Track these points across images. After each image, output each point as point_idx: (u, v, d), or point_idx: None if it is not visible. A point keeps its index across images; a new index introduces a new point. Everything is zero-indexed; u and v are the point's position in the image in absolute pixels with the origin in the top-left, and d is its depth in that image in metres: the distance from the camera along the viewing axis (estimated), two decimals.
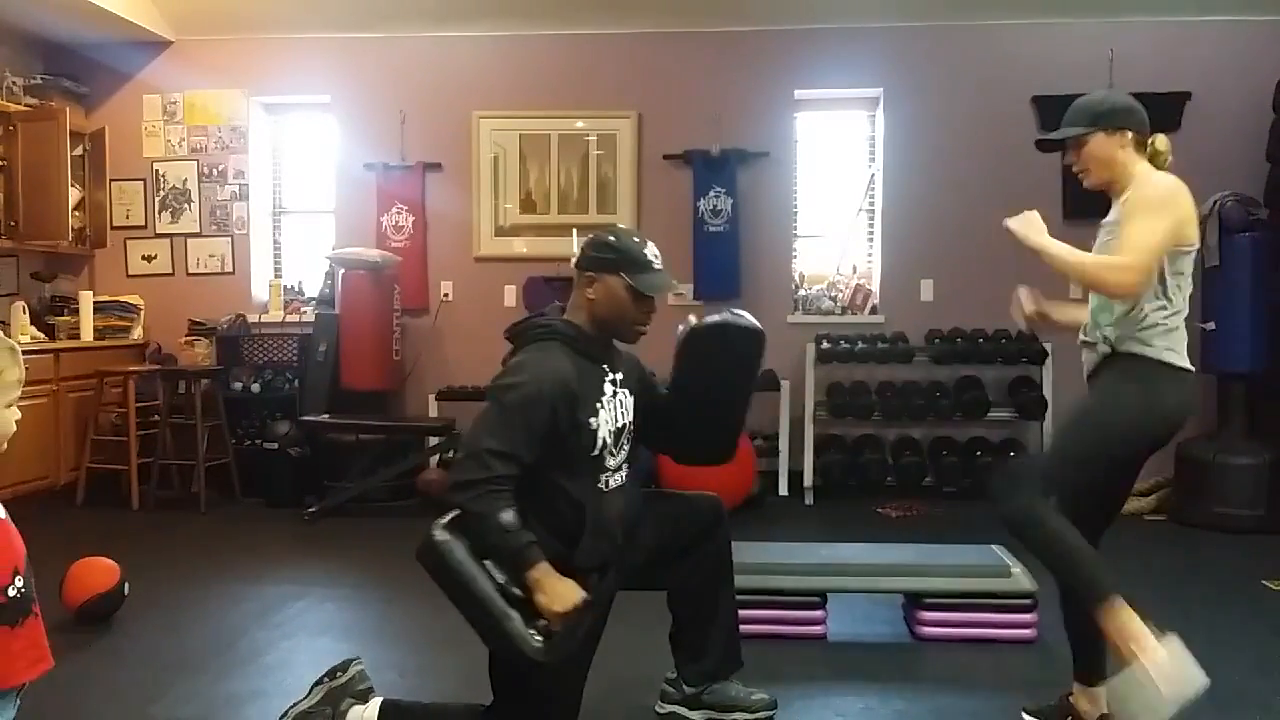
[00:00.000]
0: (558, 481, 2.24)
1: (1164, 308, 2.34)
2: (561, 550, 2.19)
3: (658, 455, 5.04)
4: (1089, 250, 2.38)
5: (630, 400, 2.41)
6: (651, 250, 2.37)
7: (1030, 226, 2.39)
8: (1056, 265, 2.35)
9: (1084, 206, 5.44)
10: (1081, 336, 2.49)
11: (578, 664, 2.27)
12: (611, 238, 2.36)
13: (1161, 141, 2.45)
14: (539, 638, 2.05)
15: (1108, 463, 2.40)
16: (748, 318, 2.51)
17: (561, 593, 2.09)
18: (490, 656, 2.25)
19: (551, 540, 2.17)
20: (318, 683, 2.36)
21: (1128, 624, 2.21)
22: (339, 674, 2.36)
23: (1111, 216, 2.40)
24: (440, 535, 2.12)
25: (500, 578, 2.09)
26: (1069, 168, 2.50)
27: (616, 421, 2.34)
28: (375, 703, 2.33)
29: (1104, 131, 2.39)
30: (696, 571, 2.50)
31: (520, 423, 2.16)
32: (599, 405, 2.29)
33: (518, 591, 2.08)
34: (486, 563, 2.10)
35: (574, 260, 2.39)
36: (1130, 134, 2.39)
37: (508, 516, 2.09)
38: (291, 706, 2.34)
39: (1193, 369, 2.39)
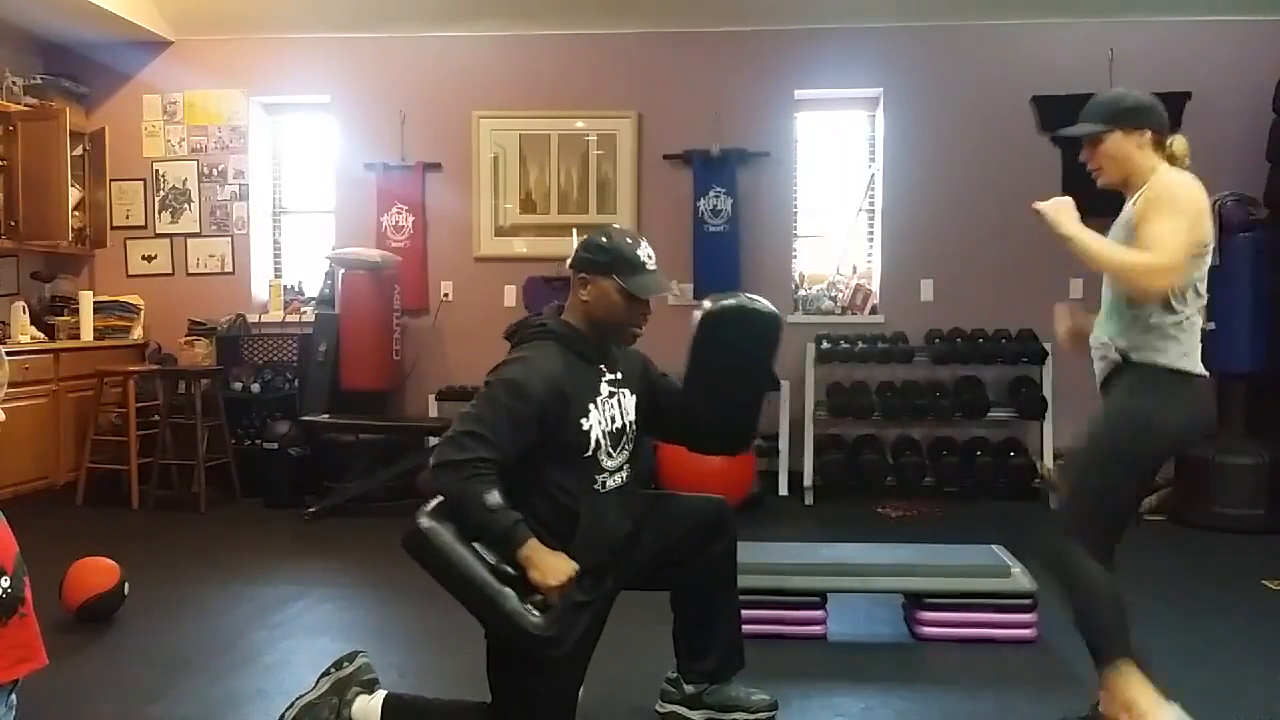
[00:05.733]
0: (552, 481, 2.24)
1: (1176, 312, 2.25)
2: (555, 549, 2.16)
3: (657, 455, 5.08)
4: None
5: (631, 401, 2.40)
6: (645, 250, 2.34)
7: (1061, 212, 2.28)
8: (1084, 256, 2.23)
9: (1084, 205, 5.50)
10: (1092, 343, 2.40)
11: (574, 664, 2.25)
12: (604, 239, 2.33)
13: (1180, 144, 2.36)
14: (536, 613, 2.04)
15: (1130, 487, 2.33)
16: (763, 302, 2.50)
17: (554, 566, 2.08)
18: (488, 654, 2.24)
19: (545, 540, 2.14)
20: (324, 674, 2.38)
21: (1128, 690, 2.16)
22: (345, 664, 2.39)
23: (1125, 215, 2.33)
24: (426, 522, 2.11)
25: (491, 558, 2.07)
26: (1079, 165, 2.41)
27: (613, 422, 2.32)
28: (380, 694, 2.35)
29: (1121, 130, 2.32)
30: (700, 573, 2.48)
31: (503, 412, 2.15)
32: (591, 406, 2.28)
33: (510, 570, 2.06)
34: (476, 545, 2.08)
35: (568, 261, 2.38)
36: (1149, 133, 2.32)
37: (492, 496, 2.07)
38: (298, 698, 2.35)
39: (1207, 375, 2.31)
